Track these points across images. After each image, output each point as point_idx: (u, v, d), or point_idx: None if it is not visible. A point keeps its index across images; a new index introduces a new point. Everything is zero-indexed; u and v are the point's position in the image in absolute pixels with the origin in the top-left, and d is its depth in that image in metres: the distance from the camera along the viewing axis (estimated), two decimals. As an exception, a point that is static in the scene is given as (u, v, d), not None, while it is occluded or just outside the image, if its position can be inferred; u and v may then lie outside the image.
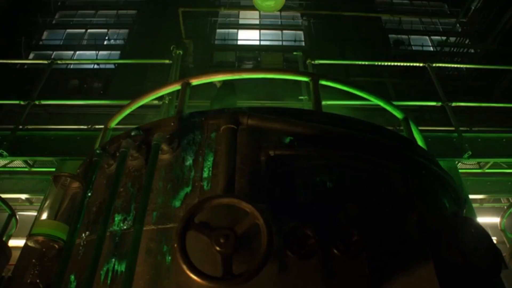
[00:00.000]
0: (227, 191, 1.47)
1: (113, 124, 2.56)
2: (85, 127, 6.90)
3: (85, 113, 8.79)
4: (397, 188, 1.72)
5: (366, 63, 5.33)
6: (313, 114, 1.81)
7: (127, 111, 2.45)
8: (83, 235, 1.71)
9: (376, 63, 5.38)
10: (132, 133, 1.92)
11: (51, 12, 11.39)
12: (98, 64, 10.11)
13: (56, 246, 1.76)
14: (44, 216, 1.84)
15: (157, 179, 1.68)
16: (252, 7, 6.15)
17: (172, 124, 1.85)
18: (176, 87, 2.18)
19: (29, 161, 4.83)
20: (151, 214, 1.57)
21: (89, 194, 1.78)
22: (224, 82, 5.24)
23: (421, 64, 5.42)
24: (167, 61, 5.12)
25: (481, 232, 1.48)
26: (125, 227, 1.59)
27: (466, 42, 10.05)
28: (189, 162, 1.67)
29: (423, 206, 1.70)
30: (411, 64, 5.43)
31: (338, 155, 1.65)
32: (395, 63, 5.30)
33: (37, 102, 4.87)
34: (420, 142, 2.58)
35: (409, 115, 2.46)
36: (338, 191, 1.55)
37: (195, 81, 2.11)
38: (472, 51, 9.91)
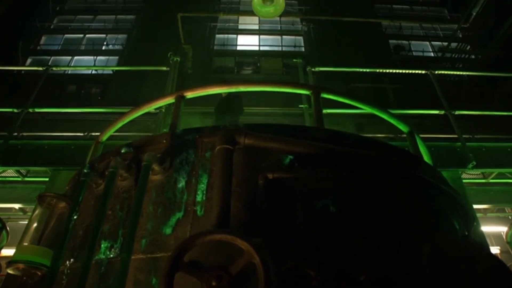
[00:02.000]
0: (222, 218, 1.36)
1: (105, 137, 2.45)
2: (82, 134, 6.81)
3: (83, 119, 8.68)
4: (405, 212, 1.61)
5: (368, 70, 5.23)
6: (314, 131, 1.70)
7: (119, 124, 2.35)
8: (67, 262, 1.59)
9: (378, 70, 5.29)
10: (122, 150, 1.81)
11: (49, 17, 11.32)
12: (96, 69, 10.02)
13: (39, 273, 1.64)
14: (28, 239, 1.72)
15: (147, 202, 1.56)
16: (252, 12, 6.08)
17: (164, 141, 1.74)
18: (169, 100, 2.08)
19: (21, 171, 4.71)
20: (140, 242, 1.45)
21: (75, 217, 1.67)
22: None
23: (423, 72, 5.34)
24: (164, 68, 5.02)
25: (497, 262, 1.37)
26: (111, 255, 1.47)
27: (467, 48, 9.99)
28: (181, 184, 1.56)
29: (433, 232, 1.59)
30: (414, 71, 5.34)
31: (341, 177, 1.54)
32: (397, 70, 5.21)
33: (31, 110, 4.77)
34: (425, 155, 2.48)
35: (414, 129, 2.35)
36: (342, 217, 1.43)
37: (190, 94, 2.00)
38: (473, 56, 9.85)
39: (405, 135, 7.76)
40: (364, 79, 9.82)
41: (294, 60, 4.85)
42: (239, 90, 1.97)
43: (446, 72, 5.62)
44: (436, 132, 8.70)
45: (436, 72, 5.28)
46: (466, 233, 1.80)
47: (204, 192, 1.50)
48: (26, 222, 5.09)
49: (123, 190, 1.67)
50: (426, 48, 11.43)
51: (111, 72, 9.98)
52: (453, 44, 9.49)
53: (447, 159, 4.54)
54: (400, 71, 5.22)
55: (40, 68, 5.29)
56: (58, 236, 1.70)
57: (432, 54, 11.26)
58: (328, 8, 11.63)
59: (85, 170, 1.75)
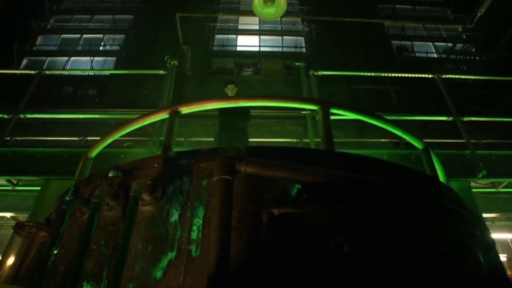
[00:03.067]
0: (221, 261, 1.18)
1: (93, 153, 2.27)
2: (77, 138, 6.63)
3: (80, 121, 8.49)
4: (427, 248, 1.43)
5: (373, 74, 5.04)
6: (324, 155, 1.51)
7: (109, 140, 2.16)
8: (45, 306, 1.41)
9: (382, 74, 5.10)
10: (110, 174, 1.62)
11: (45, 17, 11.12)
12: (94, 69, 9.82)
13: (14, 316, 1.45)
14: (2, 277, 1.53)
15: (136, 237, 1.38)
16: (252, 13, 5.90)
17: (156, 165, 1.55)
18: (162, 115, 1.89)
19: (12, 180, 4.52)
20: (127, 286, 1.27)
21: (55, 251, 1.48)
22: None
23: (430, 76, 5.15)
24: (161, 72, 4.82)
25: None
26: (94, 301, 1.28)
27: (472, 49, 9.81)
28: (174, 217, 1.38)
29: (458, 268, 1.41)
30: (420, 75, 5.15)
31: (356, 210, 1.35)
32: (403, 74, 5.02)
33: (22, 116, 4.57)
34: (440, 173, 2.29)
35: (429, 146, 2.17)
36: (358, 259, 1.25)
37: (185, 109, 1.82)
38: (477, 58, 9.67)
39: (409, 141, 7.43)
40: (366, 81, 9.64)
41: (296, 63, 4.65)
42: (239, 105, 1.79)
43: (453, 76, 5.43)
44: (440, 134, 8.54)
45: (443, 76, 5.09)
46: (492, 268, 1.62)
47: (200, 228, 1.31)
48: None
49: (110, 222, 1.49)
50: (429, 49, 11.25)
51: (108, 73, 9.79)
52: (459, 45, 9.29)
53: (456, 168, 4.36)
54: (406, 75, 5.03)
55: (33, 72, 5.08)
56: (38, 269, 1.52)
57: (435, 55, 11.07)
58: (329, 8, 11.44)
59: (67, 198, 1.57)
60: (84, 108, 8.87)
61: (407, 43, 11.28)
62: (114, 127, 2.09)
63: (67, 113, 5.19)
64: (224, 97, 1.80)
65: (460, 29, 11.87)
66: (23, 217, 5.67)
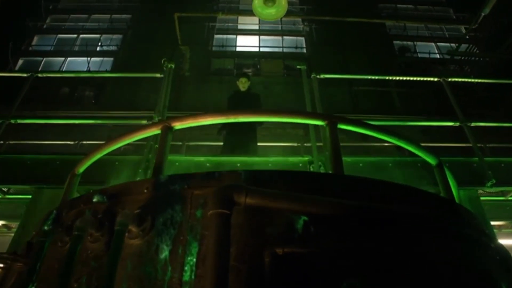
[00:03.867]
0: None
1: (81, 169, 2.10)
2: (72, 142, 6.47)
3: (76, 124, 8.32)
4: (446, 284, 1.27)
5: (376, 77, 4.87)
6: (333, 181, 1.35)
7: (97, 157, 2.00)
8: None
9: (387, 78, 4.94)
10: (94, 199, 1.46)
11: (41, 16, 10.92)
12: (89, 71, 9.63)
13: None
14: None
15: (121, 276, 1.22)
16: (252, 12, 5.74)
17: (146, 191, 1.39)
18: (154, 131, 1.73)
19: (3, 188, 4.35)
20: (109, 336, 1.11)
21: (32, 288, 1.32)
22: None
23: (435, 79, 4.98)
24: (158, 75, 4.65)
25: None
26: None
27: (475, 50, 9.64)
28: (165, 254, 1.21)
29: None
30: (425, 78, 4.98)
31: (371, 245, 1.19)
32: (408, 78, 4.85)
33: (13, 121, 4.39)
34: (454, 191, 2.14)
35: (443, 161, 2.01)
36: (374, 306, 1.09)
37: (178, 125, 1.65)
38: (481, 58, 9.50)
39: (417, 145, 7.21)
40: (367, 82, 9.48)
41: (298, 66, 4.48)
42: (238, 121, 1.63)
43: (459, 79, 5.27)
44: (442, 135, 8.38)
45: (449, 79, 4.92)
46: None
47: (194, 268, 1.15)
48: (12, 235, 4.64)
49: (93, 256, 1.33)
50: (431, 50, 11.08)
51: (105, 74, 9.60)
52: (464, 45, 9.11)
53: (463, 176, 4.19)
54: (411, 78, 4.87)
55: (25, 74, 4.90)
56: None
57: (438, 56, 10.90)
58: (330, 7, 11.26)
59: (46, 227, 1.40)
60: (81, 110, 8.70)
61: (409, 43, 11.10)
62: (102, 145, 1.93)
63: (61, 119, 5.02)
64: (222, 112, 1.64)
65: (463, 29, 11.71)
66: (15, 225, 5.51)
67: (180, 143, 6.18)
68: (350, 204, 1.23)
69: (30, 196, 4.30)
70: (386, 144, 6.93)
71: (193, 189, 1.32)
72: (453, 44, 10.86)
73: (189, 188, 1.33)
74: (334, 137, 1.58)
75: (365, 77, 4.88)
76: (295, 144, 6.44)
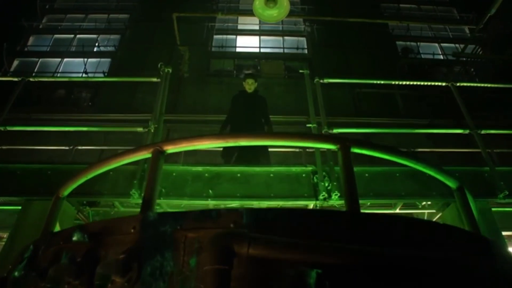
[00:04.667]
0: None
1: (66, 192, 1.92)
2: (67, 148, 6.27)
3: (71, 126, 8.12)
4: None
5: (382, 82, 4.68)
6: (348, 221, 1.16)
7: (82, 180, 1.81)
8: None
9: (393, 83, 4.75)
10: (74, 238, 1.27)
11: (37, 16, 10.69)
12: (86, 72, 9.43)
13: None
14: None
15: (101, 337, 1.03)
16: (252, 12, 5.55)
17: (132, 231, 1.20)
18: (144, 154, 1.54)
19: (-9, 199, 4.16)
20: None
21: None
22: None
23: (443, 84, 4.79)
24: (154, 79, 4.45)
25: None
26: None
27: (479, 51, 9.44)
28: (152, 313, 1.03)
29: None
30: (434, 83, 4.79)
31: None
32: (415, 82, 4.66)
33: (2, 129, 4.20)
34: (475, 213, 1.95)
35: (465, 185, 1.83)
36: None
37: (171, 148, 1.46)
38: (483, 60, 9.31)
39: (420, 149, 7.03)
40: (370, 84, 9.27)
41: (301, 70, 4.28)
42: (238, 144, 1.44)
43: (468, 84, 5.08)
44: (445, 138, 8.19)
45: (458, 84, 4.73)
46: None
47: (186, 332, 0.97)
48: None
49: (70, 309, 1.14)
50: (435, 50, 10.87)
51: (102, 75, 9.39)
52: (471, 46, 8.90)
53: (474, 187, 4.00)
54: (419, 83, 4.67)
55: (16, 79, 4.70)
56: None
57: (441, 57, 10.69)
58: (331, 7, 11.05)
59: (17, 273, 1.21)
60: (77, 112, 8.50)
61: (412, 43, 10.89)
62: (88, 167, 1.74)
63: (55, 126, 4.81)
64: (220, 136, 1.45)
65: (466, 29, 11.51)
66: (6, 235, 5.32)
67: (178, 148, 5.98)
68: (369, 251, 1.04)
69: (18, 208, 4.11)
70: (390, 149, 6.73)
71: (187, 231, 1.13)
72: (457, 45, 10.66)
73: (182, 229, 1.14)
74: (348, 164, 1.39)
75: (370, 81, 4.69)
76: (297, 150, 6.24)
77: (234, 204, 3.84)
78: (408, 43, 10.85)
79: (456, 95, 4.76)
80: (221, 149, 4.46)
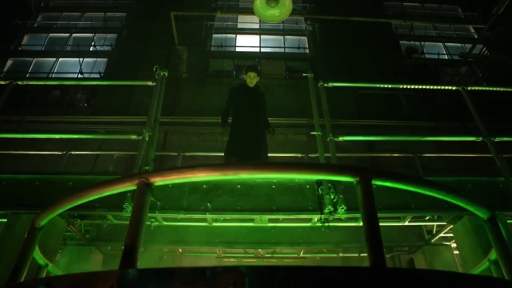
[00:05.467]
0: None
1: (43, 222, 1.68)
2: (60, 153, 6.02)
3: (66, 129, 7.89)
4: None
5: (389, 85, 4.44)
6: (374, 280, 0.93)
7: (60, 210, 1.58)
8: None
9: (401, 86, 4.50)
10: (40, 295, 1.04)
11: (32, 14, 10.41)
12: (82, 72, 9.17)
13: None
14: None
15: None
16: (252, 11, 5.30)
17: (109, 290, 0.97)
18: (128, 187, 1.31)
19: (-23, 211, 3.93)
20: None
21: None
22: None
23: (454, 88, 4.55)
24: (150, 83, 4.21)
25: None
26: None
27: (485, 51, 9.19)
28: None
29: None
30: (443, 87, 4.56)
31: None
32: (425, 86, 4.42)
33: (-12, 137, 3.96)
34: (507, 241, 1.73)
35: (497, 215, 1.60)
36: None
37: (159, 181, 1.23)
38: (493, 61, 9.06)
39: (427, 154, 6.74)
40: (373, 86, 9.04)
41: (304, 74, 4.04)
42: (239, 177, 1.22)
43: (480, 88, 4.84)
44: (451, 143, 7.97)
45: (469, 88, 4.50)
46: None
47: None
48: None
49: None
50: (440, 50, 10.61)
51: (98, 76, 9.14)
52: (475, 47, 8.65)
53: (488, 199, 3.78)
54: (429, 87, 4.43)
55: (3, 82, 4.46)
56: None
57: (446, 57, 10.43)
58: (333, 5, 10.78)
59: None
60: (72, 114, 8.26)
61: (416, 43, 10.63)
62: (67, 198, 1.50)
63: (43, 133, 4.52)
64: (217, 166, 1.21)
65: (471, 28, 11.26)
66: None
67: (176, 153, 5.75)
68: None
69: (4, 220, 3.88)
70: (395, 154, 6.51)
71: (176, 296, 0.90)
72: (462, 45, 10.41)
73: (170, 293, 0.91)
74: (369, 201, 1.16)
75: (376, 85, 4.45)
76: (299, 155, 6.02)
77: (233, 217, 3.61)
78: (412, 42, 10.60)
79: (467, 99, 4.52)
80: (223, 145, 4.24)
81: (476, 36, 10.59)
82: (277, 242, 4.61)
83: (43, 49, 10.07)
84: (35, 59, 9.73)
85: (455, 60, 9.67)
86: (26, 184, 3.74)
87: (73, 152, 5.81)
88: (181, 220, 3.64)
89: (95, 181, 3.65)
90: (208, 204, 3.35)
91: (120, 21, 10.64)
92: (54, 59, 9.72)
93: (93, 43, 9.98)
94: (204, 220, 3.63)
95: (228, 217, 3.61)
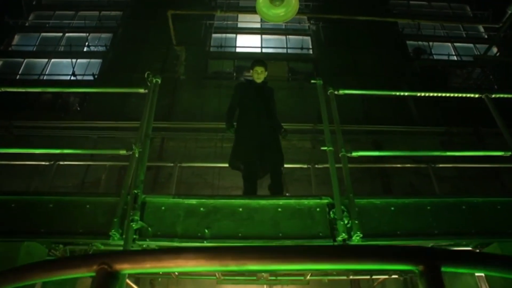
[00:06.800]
0: None
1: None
2: (47, 163, 5.59)
3: (57, 135, 7.48)
4: None
5: (406, 94, 4.03)
6: None
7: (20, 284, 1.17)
8: None
9: (418, 94, 4.10)
10: None
11: (23, 13, 9.96)
12: (74, 74, 8.74)
13: None
14: None
15: None
16: (253, 10, 4.90)
17: None
18: (84, 273, 0.89)
19: None
20: None
21: None
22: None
23: (476, 95, 4.15)
24: (141, 90, 3.80)
25: None
26: None
27: (496, 52, 8.77)
28: None
29: None
30: (465, 95, 4.14)
31: None
32: (445, 94, 4.01)
33: (-41, 151, 3.55)
34: None
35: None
36: None
37: (127, 268, 0.82)
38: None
39: (441, 165, 6.27)
40: (380, 87, 8.63)
41: (313, 81, 3.63)
42: (245, 269, 0.81)
43: (504, 95, 4.44)
44: (464, 147, 7.58)
45: (493, 95, 4.09)
46: None
47: None
48: None
49: None
50: (448, 51, 10.18)
51: (92, 78, 8.71)
52: (491, 48, 8.23)
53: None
54: (450, 94, 4.02)
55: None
56: None
57: (455, 58, 10.00)
58: (337, 3, 10.35)
59: None
60: (64, 119, 7.83)
61: (424, 43, 10.20)
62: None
63: (31, 148, 4.08)
64: (210, 252, 0.80)
65: (481, 28, 10.84)
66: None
67: (172, 164, 5.34)
68: None
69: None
70: (408, 165, 6.10)
71: None
72: (472, 45, 9.99)
73: None
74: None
75: (391, 93, 4.05)
76: (305, 166, 5.60)
77: (234, 245, 3.19)
78: (420, 43, 10.17)
79: (492, 108, 4.10)
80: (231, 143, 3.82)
81: (486, 36, 10.18)
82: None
83: (34, 49, 9.64)
84: (26, 60, 9.30)
85: (466, 61, 9.25)
86: (0, 206, 3.30)
87: (61, 163, 5.40)
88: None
89: (79, 203, 3.24)
90: (206, 230, 2.95)
91: (116, 20, 10.20)
92: (46, 60, 9.29)
93: (87, 43, 9.54)
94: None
95: (228, 245, 3.19)
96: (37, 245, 3.23)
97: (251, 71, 3.91)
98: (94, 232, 2.97)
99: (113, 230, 2.80)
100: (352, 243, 2.79)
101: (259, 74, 3.77)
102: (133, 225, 2.79)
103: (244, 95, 3.77)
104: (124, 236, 2.76)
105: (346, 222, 2.83)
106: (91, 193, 6.27)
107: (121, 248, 2.85)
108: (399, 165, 5.93)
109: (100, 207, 3.07)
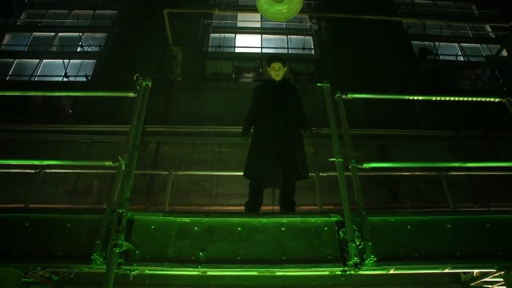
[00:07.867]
0: None
1: None
2: (33, 171, 5.23)
3: (48, 140, 7.14)
4: None
5: (421, 98, 3.71)
6: None
7: None
8: None
9: (433, 99, 3.76)
10: None
11: (14, 12, 9.61)
12: (67, 75, 8.39)
13: None
14: None
15: None
16: (253, 8, 4.57)
17: None
18: None
19: None
20: None
21: None
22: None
23: (497, 100, 3.81)
24: (131, 95, 3.46)
25: None
26: None
27: (499, 52, 8.44)
28: None
29: None
30: (483, 99, 3.80)
31: None
32: (462, 98, 3.68)
33: None
34: None
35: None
36: None
37: None
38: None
39: (453, 173, 5.91)
40: (384, 89, 8.30)
41: (319, 84, 3.29)
42: None
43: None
44: (471, 152, 7.26)
45: (515, 100, 3.75)
46: None
47: None
48: None
49: None
50: (455, 51, 9.85)
51: (85, 79, 8.37)
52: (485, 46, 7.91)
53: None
54: (468, 98, 3.69)
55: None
56: None
57: (462, 58, 9.67)
58: (340, 2, 10.03)
59: None
60: (56, 123, 7.47)
61: (430, 43, 9.87)
62: None
63: (19, 160, 3.69)
64: None
65: (488, 27, 10.53)
66: None
67: (166, 172, 5.00)
68: None
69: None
70: (418, 173, 5.75)
71: None
72: (479, 45, 9.68)
73: None
74: None
75: (400, 97, 3.71)
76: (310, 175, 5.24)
77: (232, 270, 2.86)
78: (425, 43, 9.84)
79: (513, 112, 3.76)
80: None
81: (493, 36, 9.88)
82: (285, 286, 3.88)
83: (26, 49, 9.28)
84: (16, 60, 8.96)
85: (474, 62, 8.92)
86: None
87: (47, 171, 5.06)
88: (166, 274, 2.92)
89: (58, 222, 2.87)
90: (201, 253, 2.60)
91: (111, 19, 9.85)
92: (38, 60, 8.94)
93: (80, 43, 9.19)
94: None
95: (226, 271, 2.84)
96: (11, 269, 2.87)
97: (268, 69, 3.53)
98: (74, 255, 2.63)
99: (95, 254, 2.45)
100: (365, 268, 2.46)
101: (277, 71, 3.42)
102: (116, 250, 2.43)
103: (260, 97, 3.42)
104: (106, 260, 2.42)
105: (358, 243, 2.49)
106: (72, 209, 5.90)
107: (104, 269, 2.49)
108: (408, 173, 5.59)
109: (82, 226, 2.73)
